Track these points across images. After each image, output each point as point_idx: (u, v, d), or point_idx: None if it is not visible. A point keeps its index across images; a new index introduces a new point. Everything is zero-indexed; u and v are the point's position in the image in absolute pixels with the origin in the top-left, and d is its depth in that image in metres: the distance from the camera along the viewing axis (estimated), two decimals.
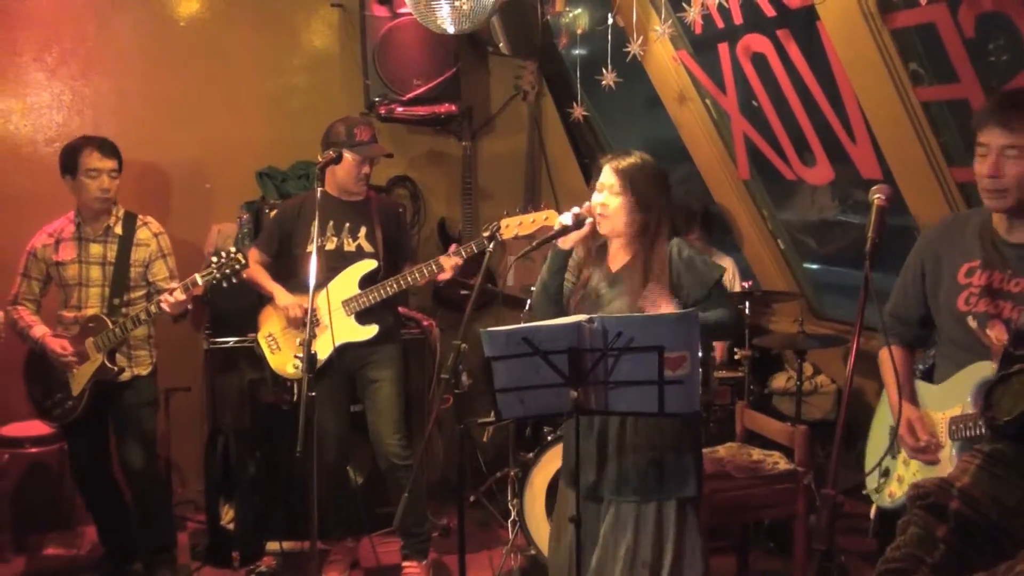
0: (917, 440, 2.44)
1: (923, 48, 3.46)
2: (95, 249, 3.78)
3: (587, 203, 2.73)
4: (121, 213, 3.84)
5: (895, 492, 2.53)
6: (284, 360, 3.83)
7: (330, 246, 3.82)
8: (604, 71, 4.20)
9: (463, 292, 4.70)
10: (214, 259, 3.56)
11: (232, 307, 4.25)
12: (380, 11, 4.59)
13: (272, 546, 4.15)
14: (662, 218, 2.70)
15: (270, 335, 3.88)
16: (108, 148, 3.74)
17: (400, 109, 4.63)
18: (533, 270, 4.11)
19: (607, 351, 2.35)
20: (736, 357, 4.38)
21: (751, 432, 3.72)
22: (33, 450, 4.22)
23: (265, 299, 3.89)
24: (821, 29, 3.62)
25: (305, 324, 3.26)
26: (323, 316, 3.72)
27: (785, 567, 3.91)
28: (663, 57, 4.54)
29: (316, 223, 3.34)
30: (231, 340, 4.30)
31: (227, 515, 4.23)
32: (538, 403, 2.45)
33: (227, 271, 3.54)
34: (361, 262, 3.81)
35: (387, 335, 3.85)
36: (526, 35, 4.83)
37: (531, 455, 3.93)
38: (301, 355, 3.13)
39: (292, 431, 3.02)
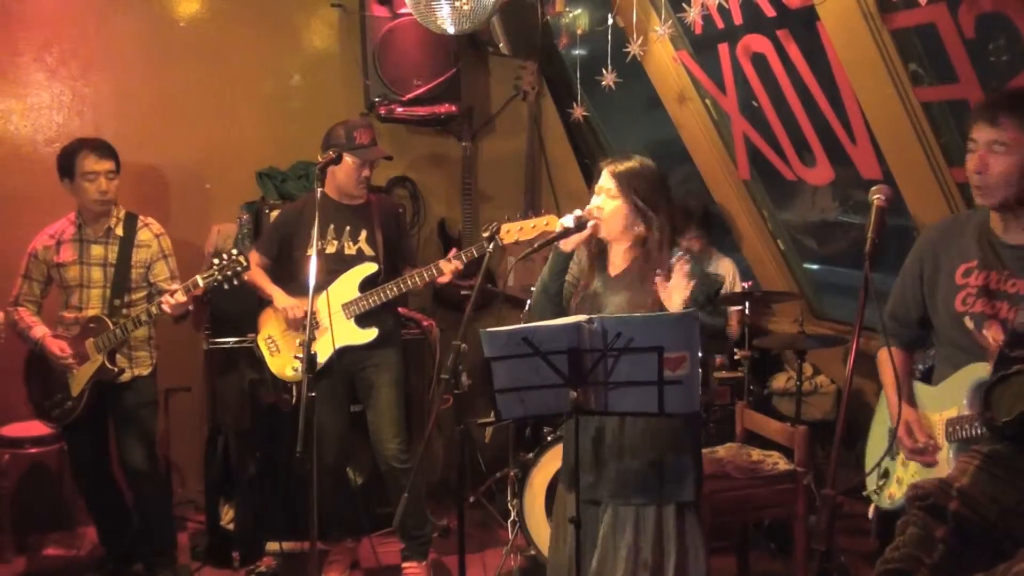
0: (915, 442, 2.44)
1: (923, 48, 3.46)
2: (96, 250, 3.79)
3: (588, 205, 2.74)
4: (122, 214, 3.84)
5: (895, 494, 2.54)
6: (284, 363, 3.84)
7: (330, 249, 3.82)
8: (604, 71, 4.20)
9: (463, 292, 4.70)
10: (215, 261, 3.55)
11: (232, 307, 4.24)
12: (380, 11, 4.59)
13: (272, 546, 4.15)
14: (662, 223, 2.69)
15: (269, 337, 3.89)
16: (104, 150, 3.74)
17: (400, 109, 4.63)
18: (533, 270, 4.11)
19: (607, 351, 2.35)
20: (736, 357, 4.38)
21: (751, 432, 3.72)
22: (33, 450, 4.22)
23: (265, 301, 3.89)
24: (821, 29, 3.63)
25: (305, 327, 3.26)
26: (323, 319, 3.72)
27: (785, 567, 3.91)
28: (663, 57, 4.55)
29: (316, 225, 3.34)
30: (231, 340, 4.29)
31: (227, 515, 4.24)
32: (538, 403, 2.44)
33: (229, 273, 3.54)
34: (362, 265, 3.81)
35: (387, 338, 3.86)
36: (526, 35, 4.84)
37: (531, 455, 3.93)
38: (301, 355, 3.12)
39: (292, 431, 3.01)
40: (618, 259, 2.77)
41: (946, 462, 2.36)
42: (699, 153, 4.85)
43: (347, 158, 3.71)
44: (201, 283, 3.55)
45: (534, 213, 3.12)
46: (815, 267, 5.26)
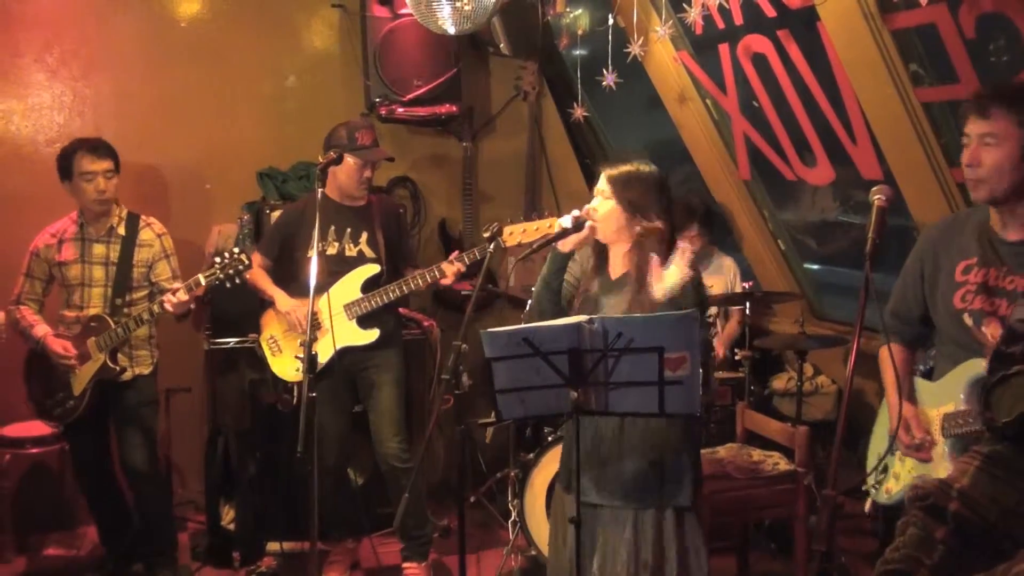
0: (912, 438, 2.44)
1: (923, 49, 3.47)
2: (98, 249, 3.79)
3: (586, 206, 2.74)
4: (124, 213, 3.84)
5: (892, 488, 2.55)
6: (285, 363, 3.84)
7: (331, 251, 3.82)
8: (605, 71, 4.20)
9: (464, 293, 4.70)
10: (217, 259, 3.56)
11: (233, 308, 4.25)
12: (381, 12, 4.59)
13: (272, 547, 4.15)
14: (656, 226, 2.68)
15: (272, 337, 3.89)
16: (101, 149, 3.73)
17: (401, 110, 4.63)
18: (533, 271, 4.11)
19: (607, 352, 2.35)
20: (737, 358, 4.38)
21: (751, 433, 3.72)
22: (34, 451, 4.22)
23: (267, 302, 3.89)
24: (821, 30, 3.63)
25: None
26: (324, 320, 3.72)
27: (785, 568, 3.91)
28: (664, 57, 4.55)
29: (317, 227, 3.34)
30: (232, 341, 4.30)
31: (227, 516, 4.24)
32: (539, 404, 2.45)
33: (231, 271, 3.54)
34: (364, 266, 3.81)
35: (388, 339, 3.86)
36: (527, 36, 4.84)
37: (531, 456, 3.93)
38: (302, 356, 3.12)
39: (292, 432, 3.01)
40: (618, 262, 2.77)
41: (941, 458, 2.37)
42: (699, 153, 4.85)
43: (349, 159, 3.71)
44: (203, 281, 3.55)
45: (537, 215, 3.11)
46: (816, 267, 5.26)
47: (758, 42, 4.03)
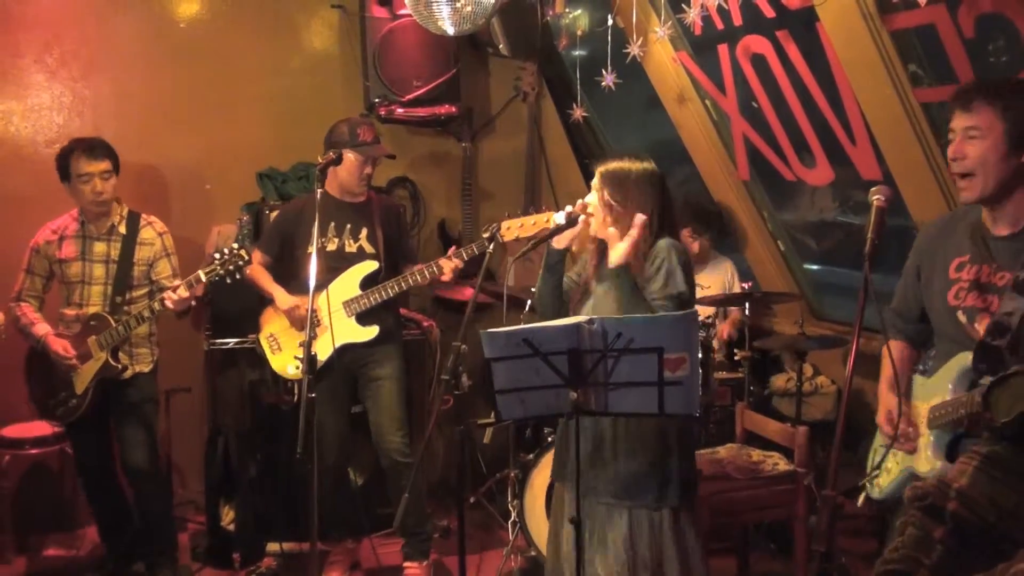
0: (894, 428, 2.46)
1: (922, 49, 3.47)
2: (99, 247, 3.79)
3: (580, 201, 2.75)
4: (125, 212, 3.84)
5: (882, 483, 2.56)
6: (285, 361, 3.84)
7: (331, 247, 3.82)
8: (604, 72, 4.20)
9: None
10: (216, 256, 3.56)
11: (233, 307, 4.25)
12: (380, 12, 4.60)
13: (272, 547, 4.15)
14: (651, 219, 2.69)
15: (271, 335, 3.89)
16: (98, 150, 3.72)
17: (400, 110, 4.63)
18: (533, 271, 4.11)
19: (607, 352, 2.35)
20: (736, 358, 4.38)
21: (751, 433, 3.72)
22: (34, 451, 4.23)
23: (266, 300, 3.90)
24: (820, 30, 3.63)
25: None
26: (324, 317, 3.73)
27: (785, 568, 3.91)
28: (663, 58, 4.55)
29: (316, 224, 3.35)
30: (231, 340, 4.30)
31: (227, 516, 4.24)
32: (538, 404, 2.45)
33: (231, 267, 3.54)
34: (362, 263, 3.82)
35: (387, 336, 3.86)
36: (526, 36, 4.84)
37: (531, 456, 3.94)
38: (301, 356, 3.12)
39: (292, 432, 3.02)
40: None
41: (925, 448, 2.39)
42: (699, 153, 4.85)
43: (350, 154, 3.72)
44: (204, 277, 3.56)
45: (535, 209, 3.12)
46: (815, 267, 5.26)
47: (757, 43, 4.03)
